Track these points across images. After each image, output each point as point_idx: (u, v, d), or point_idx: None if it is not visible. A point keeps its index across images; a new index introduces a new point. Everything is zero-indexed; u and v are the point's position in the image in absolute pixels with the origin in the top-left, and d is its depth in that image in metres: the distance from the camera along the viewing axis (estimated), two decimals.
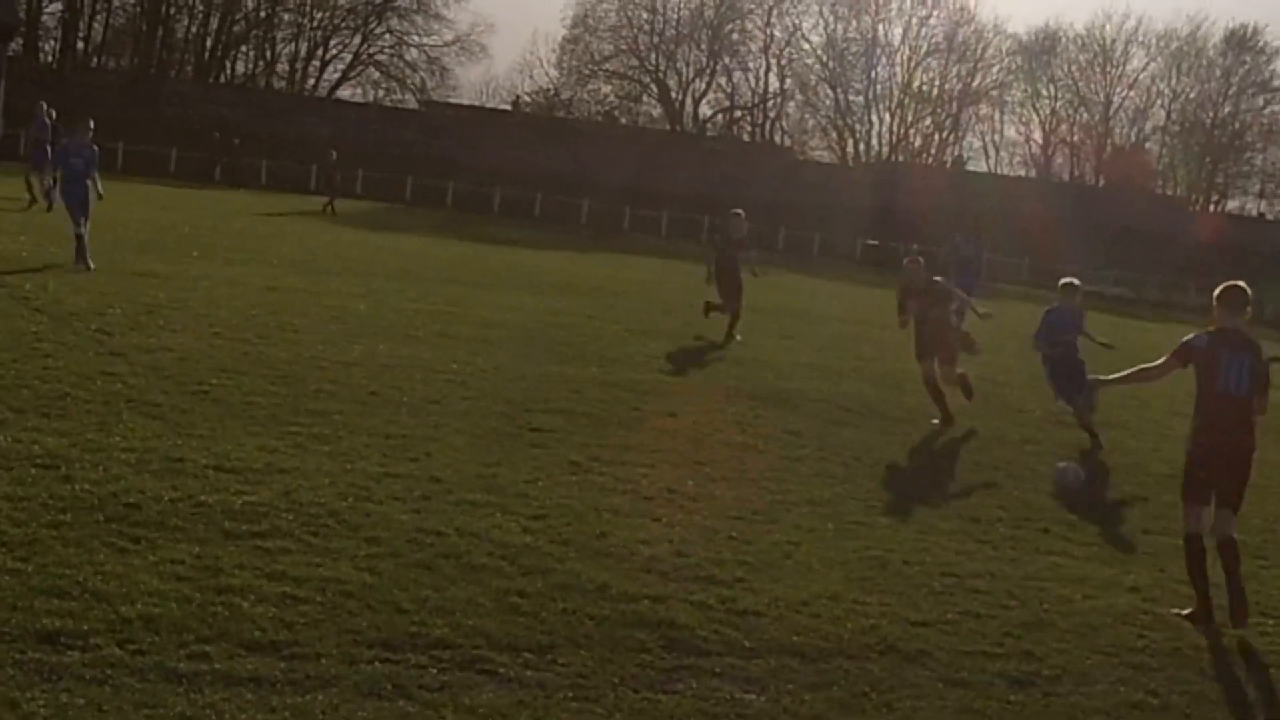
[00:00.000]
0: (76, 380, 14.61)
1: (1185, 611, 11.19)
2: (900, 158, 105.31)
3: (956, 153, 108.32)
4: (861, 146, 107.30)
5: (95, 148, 26.38)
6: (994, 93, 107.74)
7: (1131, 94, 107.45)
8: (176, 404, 14.16)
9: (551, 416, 16.15)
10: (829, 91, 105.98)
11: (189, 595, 8.54)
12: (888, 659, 9.19)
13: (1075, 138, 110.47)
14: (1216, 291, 11.58)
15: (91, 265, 24.12)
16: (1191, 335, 11.59)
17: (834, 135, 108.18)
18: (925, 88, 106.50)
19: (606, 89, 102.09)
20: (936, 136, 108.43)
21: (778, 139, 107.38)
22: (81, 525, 9.69)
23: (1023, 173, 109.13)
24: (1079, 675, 9.37)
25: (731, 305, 26.60)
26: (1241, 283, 11.63)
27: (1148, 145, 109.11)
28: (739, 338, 25.94)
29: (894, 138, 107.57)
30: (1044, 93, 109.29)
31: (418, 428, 14.55)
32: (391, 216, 61.75)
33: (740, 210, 28.50)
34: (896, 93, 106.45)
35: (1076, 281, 19.99)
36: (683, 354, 22.98)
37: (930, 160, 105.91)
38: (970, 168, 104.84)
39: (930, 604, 10.55)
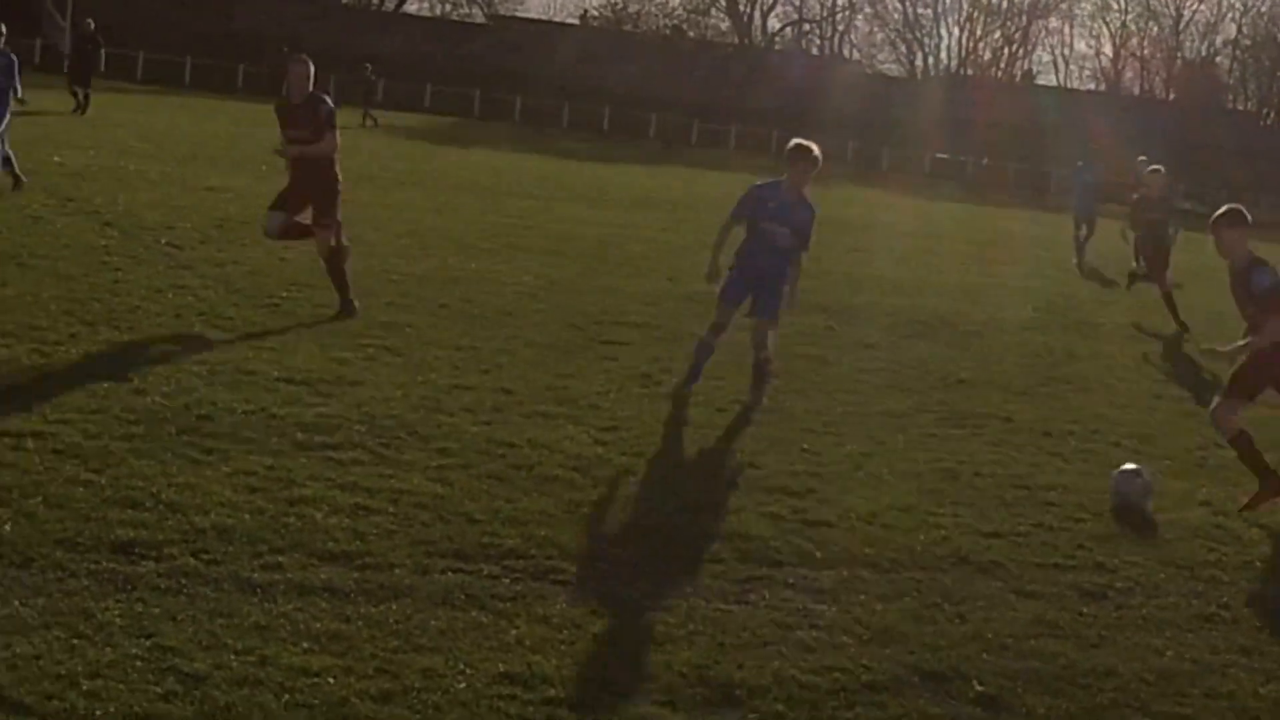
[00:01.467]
0: (147, 294, 14.68)
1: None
2: (969, 71, 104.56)
3: (1026, 66, 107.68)
4: (930, 60, 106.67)
5: (14, 57, 23.15)
6: (1064, 5, 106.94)
7: (1202, 7, 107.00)
8: (247, 317, 14.22)
9: (623, 329, 16.15)
10: (898, 4, 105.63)
11: (262, 506, 8.57)
12: (959, 570, 9.15)
13: (1145, 52, 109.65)
14: None
15: (24, 179, 21.62)
16: None
17: (903, 49, 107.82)
18: (994, 0, 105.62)
19: (674, 2, 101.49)
20: (1006, 50, 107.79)
21: (846, 52, 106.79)
22: (154, 437, 9.73)
23: (1092, 87, 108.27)
24: (1151, 588, 9.29)
25: (1159, 278, 22.25)
26: None
27: (1218, 59, 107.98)
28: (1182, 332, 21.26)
29: (963, 51, 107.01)
30: (1114, 5, 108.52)
31: (489, 340, 14.56)
32: (460, 130, 61.71)
33: (1159, 166, 23.85)
34: (965, 5, 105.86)
35: (812, 148, 13.06)
36: None
37: (999, 74, 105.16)
38: (1039, 81, 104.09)
39: (1002, 516, 10.49)
